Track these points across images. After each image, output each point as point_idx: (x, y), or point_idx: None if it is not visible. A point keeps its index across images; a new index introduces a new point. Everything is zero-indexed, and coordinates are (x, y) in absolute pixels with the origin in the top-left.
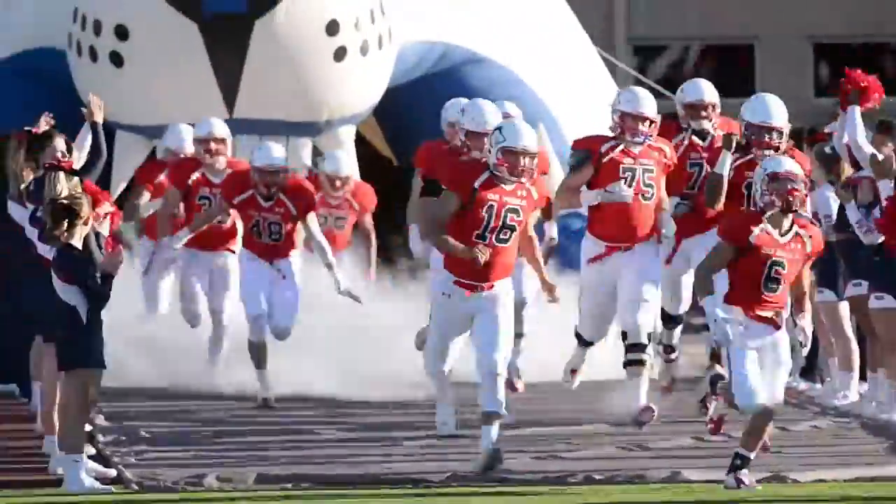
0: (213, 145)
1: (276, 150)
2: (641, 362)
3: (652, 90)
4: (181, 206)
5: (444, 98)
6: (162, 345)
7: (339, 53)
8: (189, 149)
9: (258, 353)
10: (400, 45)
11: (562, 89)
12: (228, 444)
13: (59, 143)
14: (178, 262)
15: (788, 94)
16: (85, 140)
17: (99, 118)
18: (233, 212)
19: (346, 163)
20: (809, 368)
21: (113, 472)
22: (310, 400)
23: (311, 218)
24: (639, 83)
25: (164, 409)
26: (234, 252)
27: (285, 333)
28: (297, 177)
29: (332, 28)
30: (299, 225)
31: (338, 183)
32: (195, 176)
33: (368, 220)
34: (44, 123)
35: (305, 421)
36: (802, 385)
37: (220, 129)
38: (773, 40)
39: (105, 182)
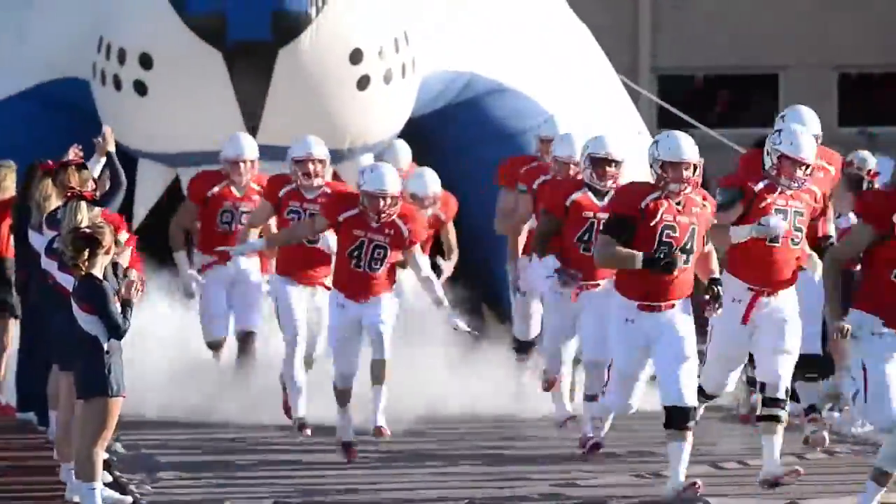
0: (310, 166)
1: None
2: (777, 419)
3: (676, 120)
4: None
5: (467, 127)
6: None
7: (363, 82)
8: (250, 156)
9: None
10: (424, 74)
11: (585, 119)
12: (245, 472)
13: (84, 173)
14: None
15: None
16: (95, 169)
17: (111, 148)
18: None
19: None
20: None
21: (129, 500)
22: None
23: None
24: (662, 112)
25: (181, 438)
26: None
27: None
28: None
29: (356, 57)
30: None
31: (426, 202)
32: (286, 189)
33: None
34: (72, 154)
35: (323, 448)
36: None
37: (320, 150)
38: (798, 70)
39: (126, 210)
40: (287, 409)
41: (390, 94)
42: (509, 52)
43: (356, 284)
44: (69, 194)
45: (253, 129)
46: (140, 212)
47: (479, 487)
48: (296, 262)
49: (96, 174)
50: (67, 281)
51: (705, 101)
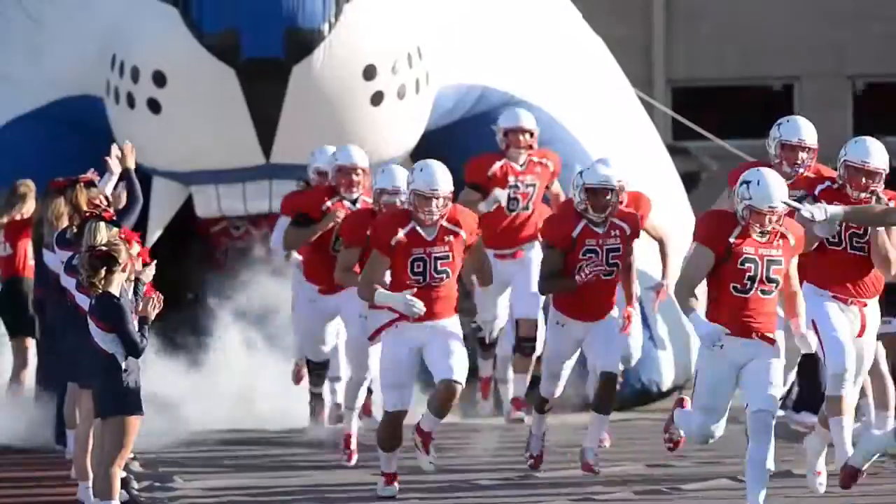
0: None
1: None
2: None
3: (690, 132)
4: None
5: (481, 140)
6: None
7: (377, 98)
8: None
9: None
10: (438, 88)
11: (600, 131)
12: (262, 490)
13: (93, 191)
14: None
15: (828, 133)
16: (105, 187)
17: (132, 164)
18: None
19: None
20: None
21: None
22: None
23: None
24: (677, 124)
25: (199, 455)
26: None
27: None
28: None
29: (370, 73)
30: None
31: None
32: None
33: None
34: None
35: (342, 465)
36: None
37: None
38: (812, 81)
39: (140, 228)
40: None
41: (404, 109)
42: (522, 65)
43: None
44: (87, 214)
45: (267, 147)
46: (154, 230)
47: None
48: None
49: (108, 191)
50: (84, 300)
51: (719, 112)
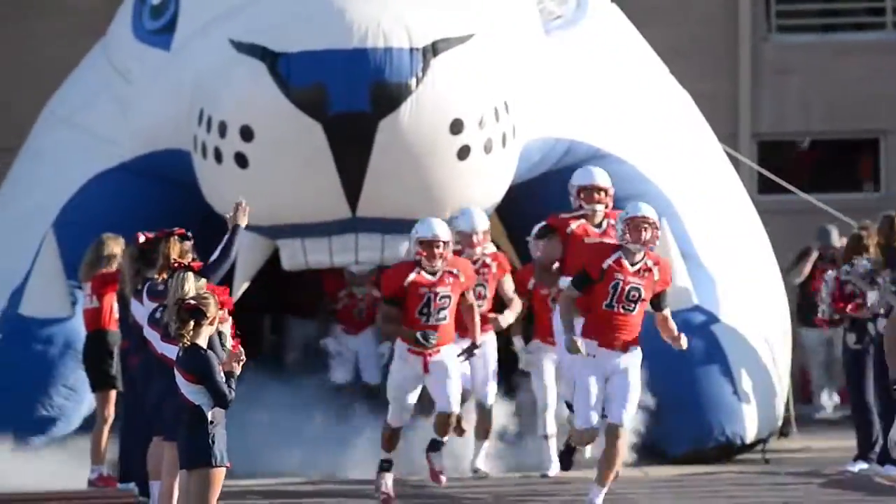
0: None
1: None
2: None
3: (776, 185)
4: None
5: (565, 197)
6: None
7: (463, 152)
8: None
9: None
10: (524, 141)
11: (686, 185)
12: None
13: (186, 244)
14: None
15: None
16: (224, 245)
17: (243, 223)
18: None
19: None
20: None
21: None
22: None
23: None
24: (763, 178)
25: None
26: None
27: None
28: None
29: (456, 127)
30: None
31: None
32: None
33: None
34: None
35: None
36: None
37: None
38: None
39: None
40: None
41: (491, 163)
42: (609, 118)
43: None
44: (175, 265)
45: (353, 201)
46: (241, 283)
47: None
48: None
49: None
50: (170, 350)
51: (805, 166)
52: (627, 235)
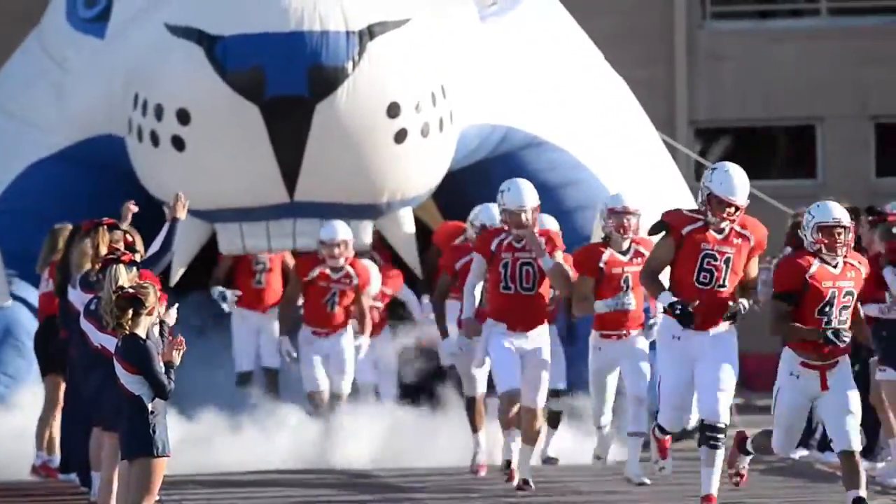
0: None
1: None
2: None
3: None
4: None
5: (503, 180)
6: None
7: (400, 136)
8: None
9: None
10: (461, 127)
11: (623, 173)
12: None
13: (115, 234)
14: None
15: (851, 174)
16: (163, 237)
17: (182, 216)
18: None
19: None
20: (870, 448)
21: None
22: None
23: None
24: (700, 167)
25: (222, 497)
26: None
27: None
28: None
29: (393, 110)
30: None
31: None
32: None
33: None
34: (128, 211)
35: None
36: (864, 464)
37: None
38: (835, 121)
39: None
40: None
41: (428, 147)
42: (546, 106)
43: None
44: (107, 258)
45: (291, 185)
46: (178, 268)
47: None
48: None
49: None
50: (108, 341)
51: (742, 153)
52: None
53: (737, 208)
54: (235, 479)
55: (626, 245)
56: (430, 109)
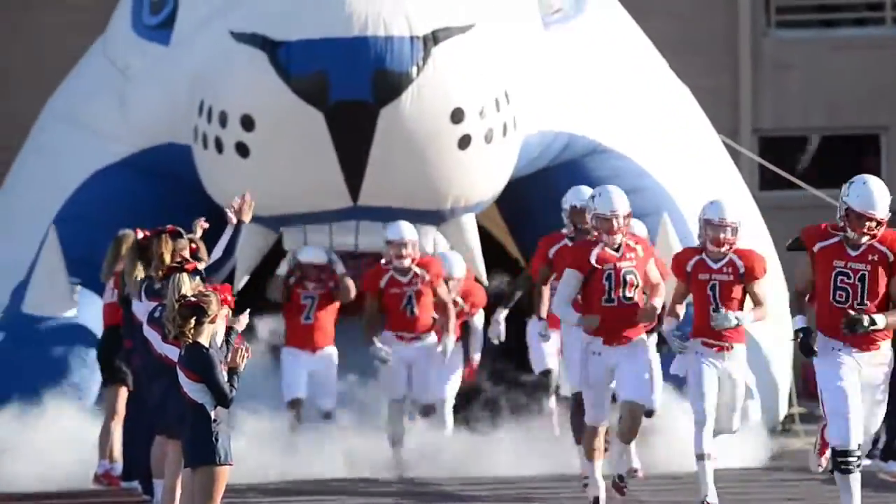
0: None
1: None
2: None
3: (777, 180)
4: None
5: (566, 189)
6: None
7: (464, 141)
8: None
9: None
10: (524, 134)
11: (686, 180)
12: None
13: (180, 242)
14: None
15: None
16: (226, 242)
17: (247, 218)
18: None
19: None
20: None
21: None
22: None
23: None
24: (763, 172)
25: None
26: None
27: None
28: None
29: (457, 116)
30: None
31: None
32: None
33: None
34: (199, 229)
35: None
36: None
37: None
38: None
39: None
40: None
41: (491, 153)
42: (609, 113)
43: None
44: (171, 266)
45: (354, 190)
46: (241, 276)
47: None
48: None
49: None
50: (170, 351)
51: (807, 161)
52: None
53: (878, 222)
54: (296, 487)
55: (721, 252)
56: (495, 115)
